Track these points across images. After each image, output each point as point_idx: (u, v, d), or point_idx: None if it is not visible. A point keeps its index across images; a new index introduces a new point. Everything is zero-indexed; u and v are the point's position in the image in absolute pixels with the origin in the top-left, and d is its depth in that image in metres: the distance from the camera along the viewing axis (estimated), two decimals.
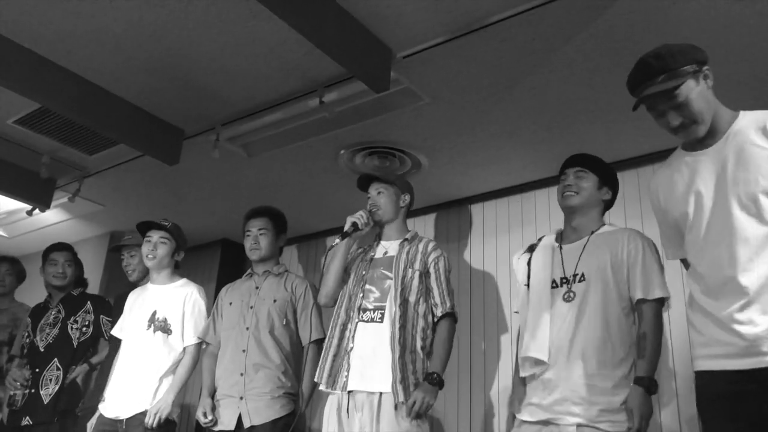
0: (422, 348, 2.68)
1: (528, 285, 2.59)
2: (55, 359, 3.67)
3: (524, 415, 2.40)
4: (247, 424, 2.89)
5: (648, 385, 2.25)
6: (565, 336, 2.37)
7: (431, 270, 2.79)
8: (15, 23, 2.78)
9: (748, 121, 1.89)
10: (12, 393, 3.64)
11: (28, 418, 3.56)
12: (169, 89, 3.22)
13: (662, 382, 3.22)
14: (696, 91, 1.89)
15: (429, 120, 3.36)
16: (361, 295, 2.76)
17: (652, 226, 3.48)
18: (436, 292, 2.76)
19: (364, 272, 2.82)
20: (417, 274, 2.75)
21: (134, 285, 3.69)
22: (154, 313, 3.27)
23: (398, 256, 2.81)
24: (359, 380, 2.62)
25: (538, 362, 2.40)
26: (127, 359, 3.23)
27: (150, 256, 3.34)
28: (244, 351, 3.02)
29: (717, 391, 1.82)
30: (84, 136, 3.68)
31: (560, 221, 2.76)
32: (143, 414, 3.07)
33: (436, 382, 2.61)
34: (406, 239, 2.88)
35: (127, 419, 3.09)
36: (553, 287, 2.47)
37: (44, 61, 3.00)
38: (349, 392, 2.62)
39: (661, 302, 2.39)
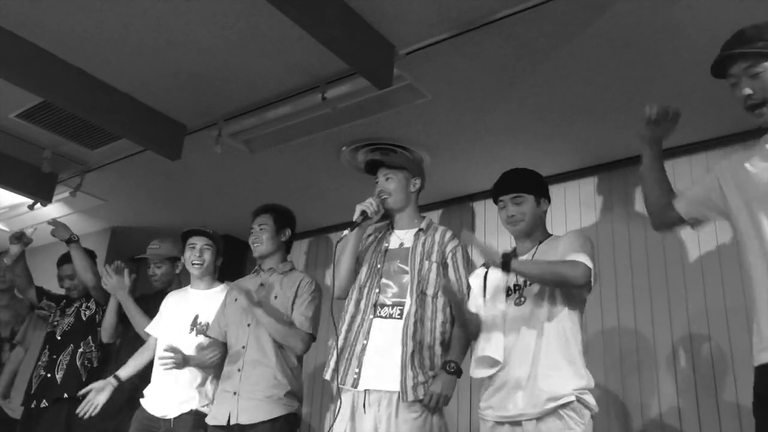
0: (442, 343, 2.59)
1: (485, 297, 2.62)
2: (71, 345, 3.82)
3: (490, 416, 2.42)
4: (233, 421, 2.87)
5: None
6: (518, 339, 2.41)
7: (449, 261, 2.69)
8: (18, 17, 2.78)
9: None
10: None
11: (44, 401, 3.69)
12: (171, 84, 3.22)
13: (662, 363, 3.22)
14: None
15: (431, 117, 3.35)
16: (377, 290, 2.67)
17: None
18: (455, 285, 2.65)
19: (379, 265, 2.72)
20: (434, 266, 2.66)
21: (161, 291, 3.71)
22: (196, 318, 3.29)
23: (414, 248, 2.72)
24: (375, 379, 2.53)
25: (493, 363, 2.43)
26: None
27: (197, 263, 3.34)
28: (243, 347, 3.01)
29: None
30: (86, 131, 3.68)
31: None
32: (189, 414, 3.11)
33: (453, 370, 2.54)
34: (421, 229, 2.77)
35: (174, 419, 3.11)
36: (507, 295, 2.51)
37: (47, 54, 3.00)
38: (366, 390, 2.54)
39: (590, 268, 2.37)
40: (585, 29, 2.64)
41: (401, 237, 2.79)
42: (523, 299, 2.46)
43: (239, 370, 2.96)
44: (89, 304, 3.91)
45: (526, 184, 2.64)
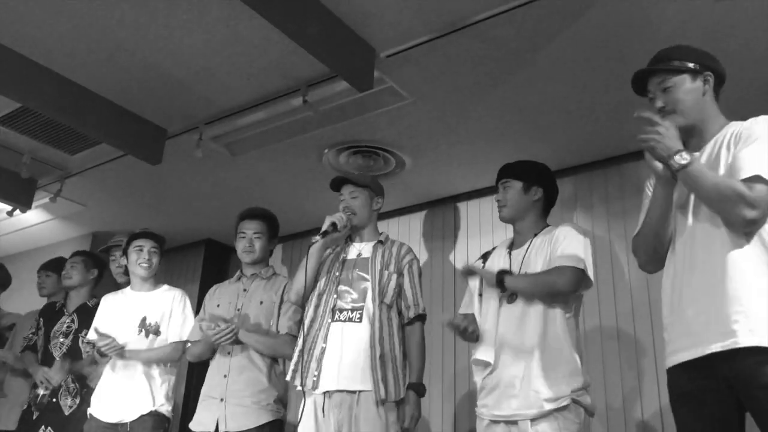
0: (401, 343, 2.72)
1: (481, 294, 2.65)
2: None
3: (486, 415, 2.45)
4: (222, 428, 2.87)
5: None
6: (511, 337, 2.44)
7: (405, 272, 2.81)
8: None
9: (729, 129, 1.99)
10: (42, 393, 3.62)
11: (50, 428, 3.53)
12: (151, 88, 3.20)
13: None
14: (688, 86, 2.00)
15: (413, 119, 3.36)
16: (335, 296, 2.76)
17: (634, 225, 3.52)
18: (409, 293, 2.78)
19: (337, 273, 2.83)
20: (394, 276, 2.77)
21: (117, 285, 3.67)
22: (144, 319, 3.29)
23: (374, 258, 2.82)
24: (335, 380, 2.61)
25: (486, 365, 2.46)
26: (120, 364, 3.23)
27: (145, 265, 3.35)
28: (229, 353, 3.00)
29: None
30: (65, 136, 3.65)
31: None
32: (148, 415, 3.12)
33: (421, 392, 2.67)
34: (380, 241, 2.89)
35: (131, 422, 3.11)
36: (502, 291, 2.53)
37: (25, 59, 2.97)
38: (325, 392, 2.62)
39: (579, 270, 2.41)
40: (564, 31, 2.67)
41: (359, 248, 2.89)
42: (514, 297, 2.48)
43: (225, 376, 2.96)
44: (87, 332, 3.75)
45: (513, 170, 2.69)
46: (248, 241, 3.15)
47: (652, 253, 2.06)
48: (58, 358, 3.66)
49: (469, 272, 2.59)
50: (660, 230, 2.01)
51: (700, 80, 2.01)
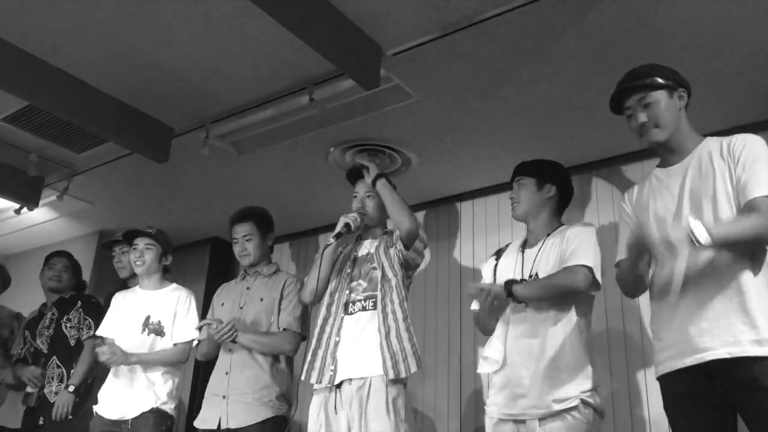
0: (404, 318, 2.71)
1: None
2: (54, 357, 3.76)
3: (495, 413, 2.46)
4: (224, 426, 2.88)
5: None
6: (521, 337, 2.45)
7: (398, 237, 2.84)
8: (1, 20, 2.76)
9: (710, 144, 2.07)
10: (30, 392, 3.73)
11: (42, 417, 3.64)
12: (158, 87, 3.21)
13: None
14: (666, 101, 2.09)
15: (419, 117, 3.36)
16: (348, 291, 2.81)
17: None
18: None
19: (349, 270, 2.88)
20: (395, 251, 2.81)
21: (124, 282, 3.69)
22: (148, 318, 3.30)
23: (378, 246, 2.89)
24: (348, 370, 2.64)
25: (494, 362, 2.47)
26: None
27: (138, 262, 3.37)
28: (230, 350, 3.02)
29: None
30: (72, 134, 3.66)
31: None
32: (150, 412, 3.13)
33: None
34: (386, 232, 2.96)
35: (132, 419, 3.13)
36: (514, 301, 2.53)
37: (31, 57, 2.98)
38: (337, 387, 2.64)
39: (589, 269, 2.43)
40: (569, 29, 2.66)
41: (368, 247, 2.95)
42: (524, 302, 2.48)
43: (227, 373, 2.98)
44: (69, 316, 3.86)
45: (527, 168, 2.71)
46: (241, 245, 3.18)
47: (636, 280, 2.15)
48: (45, 351, 3.79)
49: (478, 292, 2.53)
50: (638, 268, 2.09)
51: (675, 96, 2.09)
